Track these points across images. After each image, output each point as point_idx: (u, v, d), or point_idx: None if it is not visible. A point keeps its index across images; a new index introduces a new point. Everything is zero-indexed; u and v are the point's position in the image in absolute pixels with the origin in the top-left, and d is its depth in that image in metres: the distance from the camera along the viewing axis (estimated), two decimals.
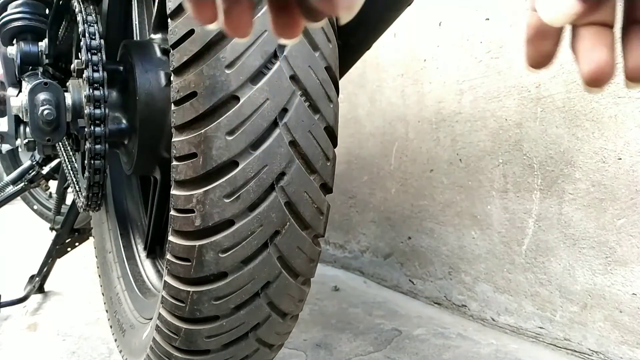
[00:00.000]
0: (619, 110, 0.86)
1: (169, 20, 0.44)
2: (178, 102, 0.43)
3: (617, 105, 0.86)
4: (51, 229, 1.44)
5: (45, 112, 0.70)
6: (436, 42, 1.24)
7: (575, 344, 0.95)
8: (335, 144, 0.47)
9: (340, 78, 0.52)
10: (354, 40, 0.78)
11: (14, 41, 0.97)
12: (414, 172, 1.32)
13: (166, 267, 0.48)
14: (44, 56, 0.96)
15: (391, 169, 1.41)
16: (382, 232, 1.46)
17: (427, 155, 1.28)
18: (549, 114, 0.97)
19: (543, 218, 1.00)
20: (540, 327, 1.02)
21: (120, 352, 0.79)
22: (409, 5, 0.78)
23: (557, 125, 0.96)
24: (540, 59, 0.26)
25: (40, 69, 0.97)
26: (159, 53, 0.69)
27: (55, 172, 1.36)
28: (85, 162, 0.99)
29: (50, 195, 1.77)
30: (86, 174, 0.95)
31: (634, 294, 0.86)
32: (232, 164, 0.41)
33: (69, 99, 0.73)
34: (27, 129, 0.84)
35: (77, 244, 1.46)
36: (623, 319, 0.87)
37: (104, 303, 0.97)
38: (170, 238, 0.46)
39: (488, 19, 1.09)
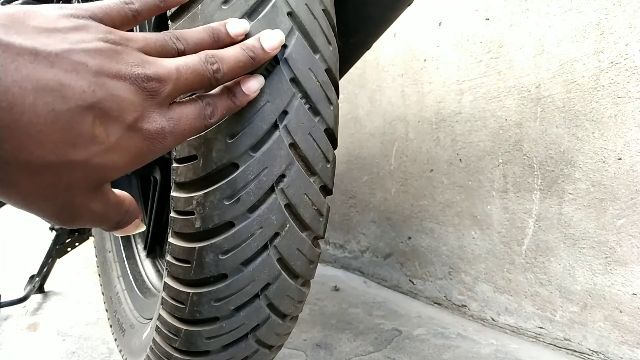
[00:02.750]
0: (619, 110, 0.86)
1: (169, 22, 0.44)
2: None
3: (617, 105, 0.86)
4: (51, 229, 1.44)
5: None
6: (436, 42, 1.24)
7: (575, 344, 0.95)
8: (335, 146, 0.47)
9: (340, 78, 0.52)
10: (354, 41, 0.78)
11: None
12: (414, 172, 1.32)
13: (166, 269, 0.48)
14: None
15: (391, 169, 1.41)
16: (382, 232, 1.46)
17: (427, 155, 1.28)
18: (549, 114, 0.97)
19: (543, 218, 1.00)
20: (540, 327, 1.02)
21: (120, 351, 0.79)
22: (409, 5, 0.78)
23: (557, 125, 0.96)
24: None
25: None
26: None
27: None
28: None
29: None
30: None
31: (634, 294, 0.86)
32: (232, 166, 0.41)
33: None
34: None
35: (77, 244, 1.46)
36: (623, 319, 0.87)
37: (104, 302, 0.97)
38: (170, 240, 0.46)
39: (488, 19, 1.09)
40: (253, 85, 0.39)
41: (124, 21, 0.35)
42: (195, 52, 0.36)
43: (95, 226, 0.35)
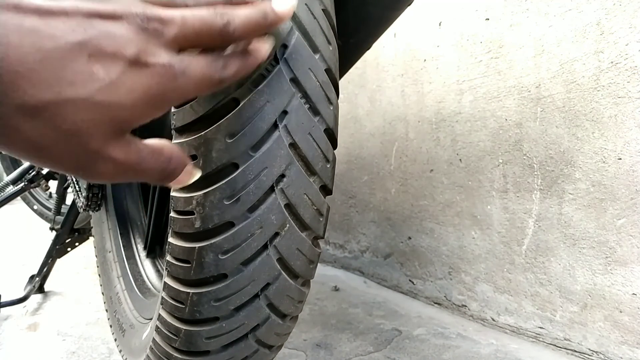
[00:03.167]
0: (619, 110, 0.86)
1: None
2: (178, 105, 0.43)
3: (617, 105, 0.86)
4: (51, 229, 1.44)
5: None
6: (436, 42, 1.24)
7: (575, 344, 0.95)
8: (335, 146, 0.47)
9: (340, 78, 0.52)
10: (354, 41, 0.78)
11: None
12: (414, 172, 1.32)
13: (166, 269, 0.48)
14: None
15: (391, 169, 1.41)
16: (382, 232, 1.46)
17: (427, 155, 1.28)
18: (549, 114, 0.97)
19: (543, 218, 1.00)
20: (540, 327, 1.02)
21: (120, 351, 0.79)
22: (409, 5, 0.78)
23: (557, 125, 0.96)
24: None
25: None
26: None
27: (56, 172, 1.36)
28: None
29: (50, 195, 1.77)
30: None
31: (634, 294, 0.86)
32: (232, 166, 0.41)
33: None
34: None
35: (77, 244, 1.46)
36: (623, 319, 0.87)
37: (104, 302, 0.97)
38: (170, 240, 0.46)
39: (488, 19, 1.09)
40: (264, 45, 0.37)
41: None
42: None
43: (132, 178, 0.33)
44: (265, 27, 0.37)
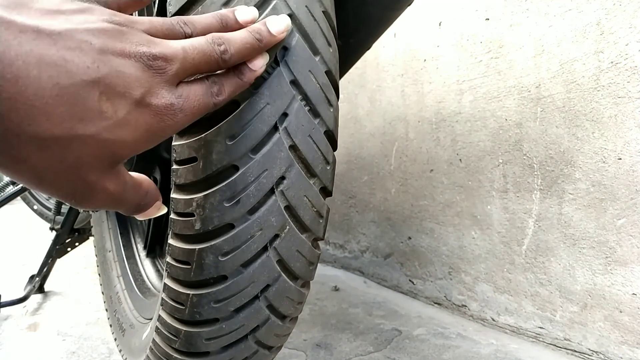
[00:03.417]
0: (619, 110, 0.86)
1: None
2: None
3: (617, 105, 0.86)
4: (51, 229, 1.44)
5: None
6: (436, 42, 1.24)
7: (575, 344, 0.95)
8: (335, 148, 0.47)
9: (340, 79, 0.52)
10: (354, 41, 0.78)
11: None
12: (414, 172, 1.32)
13: (166, 270, 0.48)
14: None
15: (391, 169, 1.41)
16: (382, 232, 1.46)
17: (427, 155, 1.28)
18: (549, 114, 0.97)
19: (543, 218, 1.00)
20: (540, 327, 1.02)
21: (120, 351, 0.79)
22: (409, 5, 0.78)
23: (557, 125, 0.96)
24: None
25: None
26: None
27: None
28: None
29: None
30: None
31: (634, 294, 0.86)
32: (232, 168, 0.41)
33: None
34: None
35: (77, 244, 1.46)
36: (623, 319, 0.87)
37: (104, 302, 0.97)
38: (170, 241, 0.46)
39: (488, 19, 1.09)
40: (259, 61, 0.39)
41: (129, 3, 0.35)
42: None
43: (113, 208, 0.35)
44: (261, 49, 0.38)
